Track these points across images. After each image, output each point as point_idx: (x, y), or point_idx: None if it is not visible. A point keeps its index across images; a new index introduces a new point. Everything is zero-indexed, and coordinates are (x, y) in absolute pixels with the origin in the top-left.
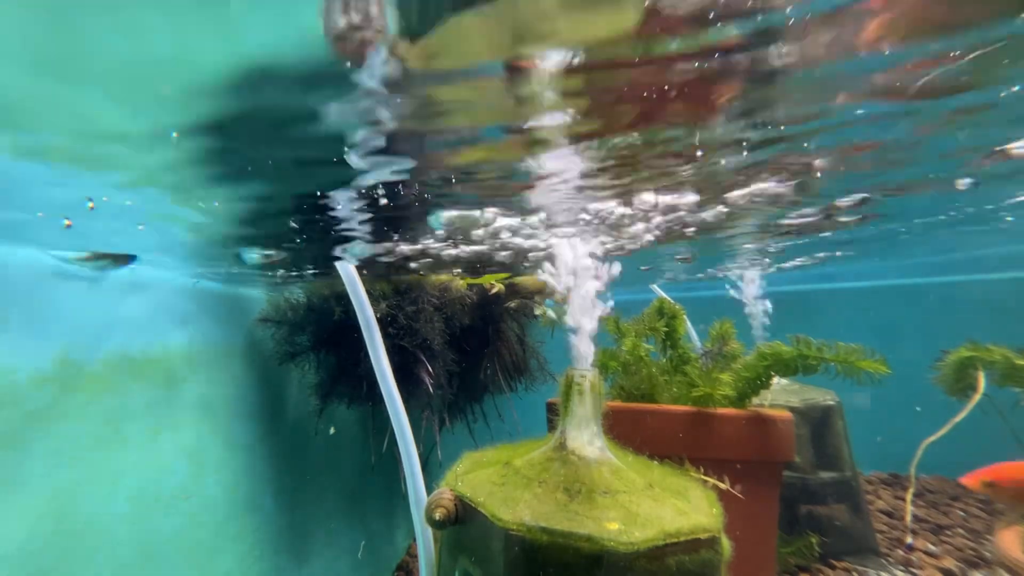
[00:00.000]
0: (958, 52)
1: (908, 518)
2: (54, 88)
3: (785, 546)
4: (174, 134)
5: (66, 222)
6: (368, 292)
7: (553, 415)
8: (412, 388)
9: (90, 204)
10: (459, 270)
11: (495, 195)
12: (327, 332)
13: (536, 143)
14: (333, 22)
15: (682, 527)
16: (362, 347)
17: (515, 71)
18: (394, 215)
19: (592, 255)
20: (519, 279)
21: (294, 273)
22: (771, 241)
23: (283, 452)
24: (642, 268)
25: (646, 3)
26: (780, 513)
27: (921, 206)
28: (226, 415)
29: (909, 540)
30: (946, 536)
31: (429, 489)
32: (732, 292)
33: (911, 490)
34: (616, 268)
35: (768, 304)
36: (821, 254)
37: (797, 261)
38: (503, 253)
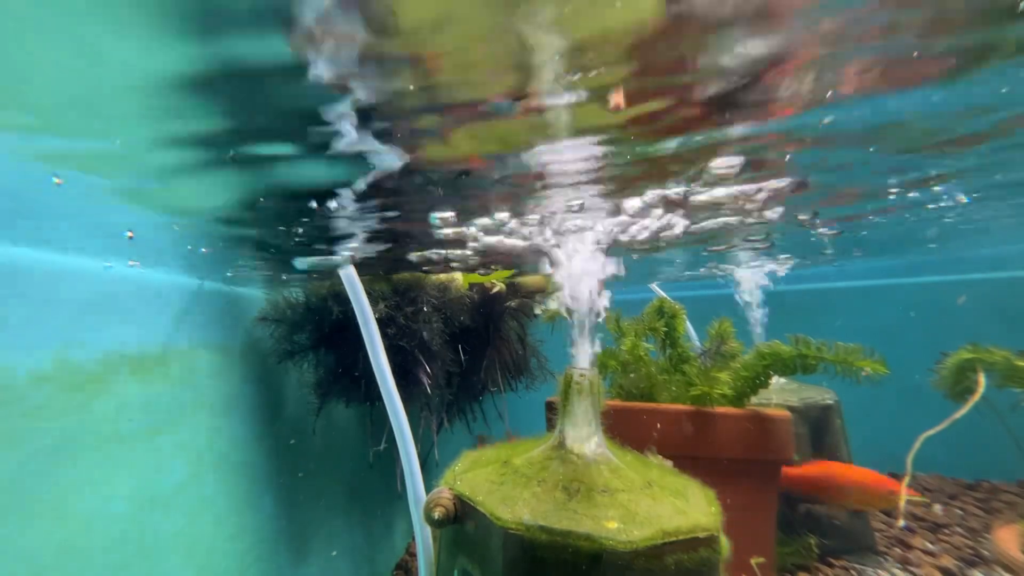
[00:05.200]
0: None
1: (902, 503)
2: None
3: (784, 546)
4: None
5: (128, 234)
6: (367, 292)
7: (552, 414)
8: (411, 388)
9: (129, 234)
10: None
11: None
12: (326, 331)
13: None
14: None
15: (681, 526)
16: (361, 346)
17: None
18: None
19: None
20: (520, 278)
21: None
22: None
23: (282, 451)
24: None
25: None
26: (779, 512)
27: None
28: (225, 414)
29: (901, 523)
30: (944, 535)
31: (428, 488)
32: (737, 296)
33: (906, 478)
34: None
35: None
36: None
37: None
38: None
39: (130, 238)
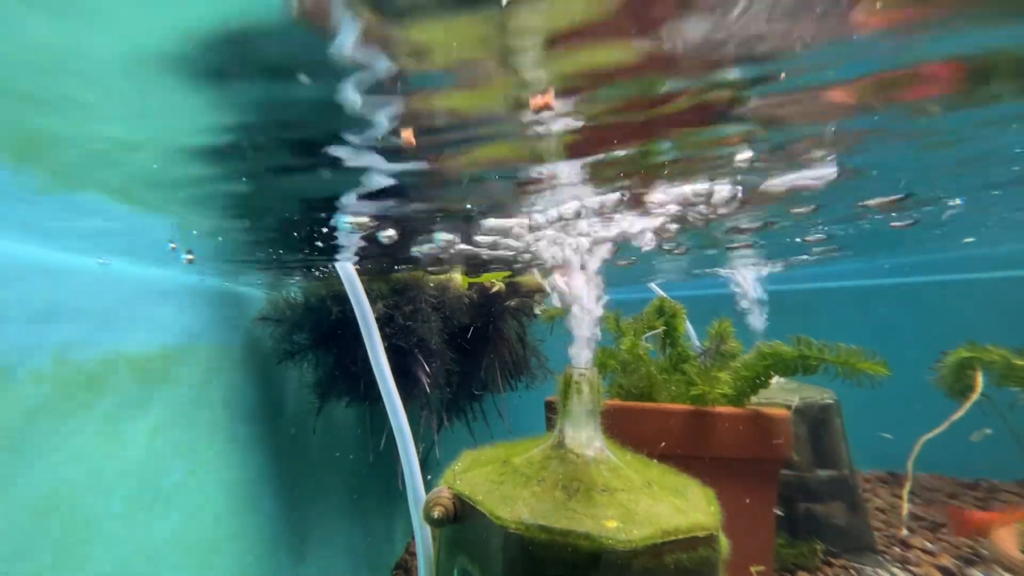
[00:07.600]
0: None
1: (904, 512)
2: None
3: (789, 548)
4: None
5: (171, 245)
6: (366, 292)
7: (552, 413)
8: (410, 387)
9: (172, 245)
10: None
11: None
12: (325, 330)
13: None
14: None
15: (680, 525)
16: (360, 345)
17: None
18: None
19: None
20: (520, 278)
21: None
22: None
23: (282, 451)
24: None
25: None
26: (781, 512)
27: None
28: (225, 414)
29: (904, 532)
30: (943, 534)
31: (428, 487)
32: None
33: (907, 486)
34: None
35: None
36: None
37: (796, 259)
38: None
39: (173, 249)
